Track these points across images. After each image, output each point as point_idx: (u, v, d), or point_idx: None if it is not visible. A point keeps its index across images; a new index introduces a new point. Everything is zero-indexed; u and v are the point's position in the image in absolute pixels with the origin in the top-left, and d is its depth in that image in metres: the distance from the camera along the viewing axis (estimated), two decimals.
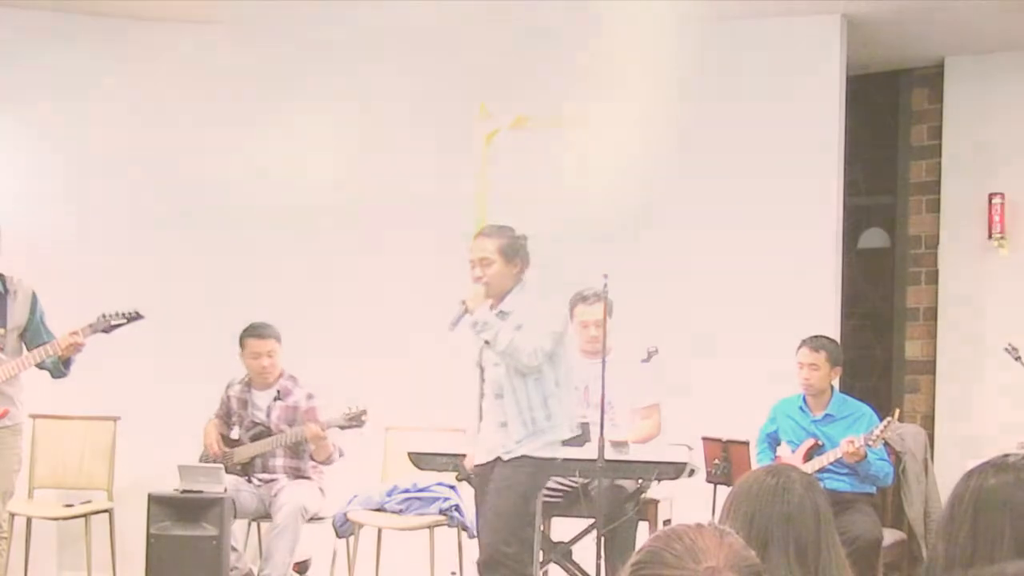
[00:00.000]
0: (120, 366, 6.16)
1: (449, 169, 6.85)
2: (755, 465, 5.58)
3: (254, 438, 6.26)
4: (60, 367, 5.49)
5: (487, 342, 5.00)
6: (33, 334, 5.49)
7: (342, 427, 6.06)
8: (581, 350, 5.91)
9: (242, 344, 6.26)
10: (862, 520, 5.67)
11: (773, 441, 6.04)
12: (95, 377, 5.69)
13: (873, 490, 5.93)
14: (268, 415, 6.26)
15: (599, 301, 5.60)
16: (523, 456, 5.00)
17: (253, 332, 6.25)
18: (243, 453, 6.26)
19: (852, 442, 5.59)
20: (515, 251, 5.08)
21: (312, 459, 6.23)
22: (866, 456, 5.64)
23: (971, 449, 6.35)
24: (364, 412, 6.02)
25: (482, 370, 5.18)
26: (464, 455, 5.48)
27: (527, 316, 5.00)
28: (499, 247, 5.05)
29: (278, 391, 6.29)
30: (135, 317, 5.58)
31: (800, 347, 5.91)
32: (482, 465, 5.14)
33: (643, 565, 1.74)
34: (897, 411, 5.85)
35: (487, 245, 5.07)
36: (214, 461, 6.18)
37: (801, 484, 2.47)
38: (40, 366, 5.47)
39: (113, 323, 5.52)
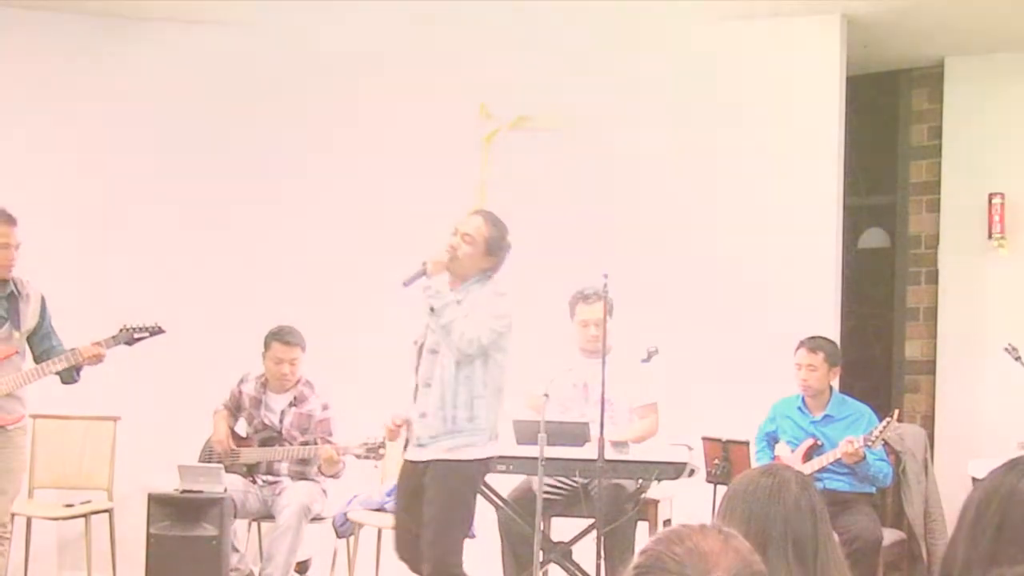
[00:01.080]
0: (120, 366, 6.15)
1: (449, 169, 6.85)
2: (755, 464, 5.58)
3: (263, 441, 6.24)
4: (73, 373, 5.47)
5: (432, 309, 4.87)
6: (41, 338, 5.48)
7: (359, 456, 5.99)
8: (581, 349, 5.91)
9: (267, 345, 6.20)
10: (862, 520, 5.67)
11: (772, 440, 6.04)
12: (95, 377, 5.68)
13: (873, 490, 5.92)
14: (281, 420, 6.23)
15: (599, 300, 5.59)
16: (459, 461, 4.85)
17: (280, 337, 6.18)
18: (251, 456, 6.22)
19: (851, 443, 5.59)
20: (498, 248, 5.00)
21: (320, 470, 6.20)
22: (865, 457, 5.64)
23: (971, 449, 6.35)
24: (383, 445, 5.91)
25: (419, 355, 5.03)
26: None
27: (475, 309, 4.90)
28: (487, 236, 4.97)
29: (294, 397, 6.25)
30: (157, 331, 5.59)
31: (798, 348, 5.91)
32: (414, 463, 4.98)
33: (644, 570, 1.67)
34: (896, 412, 5.84)
35: (479, 226, 4.98)
36: (217, 459, 6.18)
37: (796, 483, 2.46)
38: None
39: (136, 336, 5.54)
